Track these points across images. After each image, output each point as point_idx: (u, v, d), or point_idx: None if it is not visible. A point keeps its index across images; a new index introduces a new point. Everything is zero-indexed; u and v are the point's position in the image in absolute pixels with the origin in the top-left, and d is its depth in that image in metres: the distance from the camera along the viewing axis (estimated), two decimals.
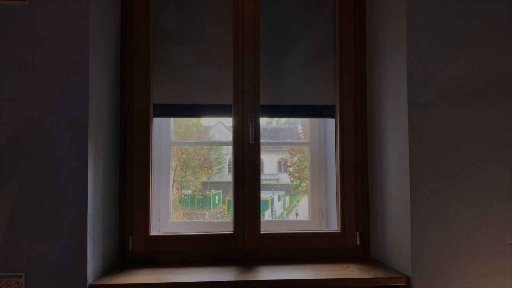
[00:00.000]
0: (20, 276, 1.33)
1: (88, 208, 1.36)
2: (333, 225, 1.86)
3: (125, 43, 1.70)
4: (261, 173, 1.72)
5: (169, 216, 1.90)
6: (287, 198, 4.18)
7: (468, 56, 1.47)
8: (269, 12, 1.81)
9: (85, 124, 1.37)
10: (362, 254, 1.74)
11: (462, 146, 1.46)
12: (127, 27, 1.71)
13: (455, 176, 1.45)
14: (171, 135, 1.93)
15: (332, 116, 1.82)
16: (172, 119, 1.95)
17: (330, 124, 1.92)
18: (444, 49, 1.47)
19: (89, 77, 1.38)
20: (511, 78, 1.48)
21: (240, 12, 1.74)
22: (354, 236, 1.74)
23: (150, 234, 1.67)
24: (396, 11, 1.53)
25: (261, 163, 1.76)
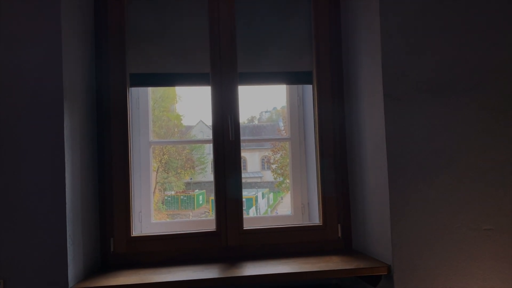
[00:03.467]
0: None
1: (66, 211, 1.34)
2: (316, 220, 1.88)
3: (100, 30, 1.68)
4: (244, 171, 1.73)
5: (151, 217, 1.89)
6: (271, 195, 4.20)
7: (440, 49, 1.51)
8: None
9: (60, 124, 1.35)
10: (344, 246, 1.76)
11: (437, 137, 1.49)
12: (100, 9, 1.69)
13: (431, 166, 1.48)
14: (150, 135, 1.92)
15: (309, 82, 1.84)
16: (151, 123, 1.93)
17: (310, 119, 1.94)
18: (417, 42, 1.50)
19: (63, 76, 1.36)
20: (481, 69, 1.52)
21: None
22: (336, 228, 1.76)
23: (131, 235, 1.65)
24: (369, 5, 1.56)
25: (244, 161, 1.76)
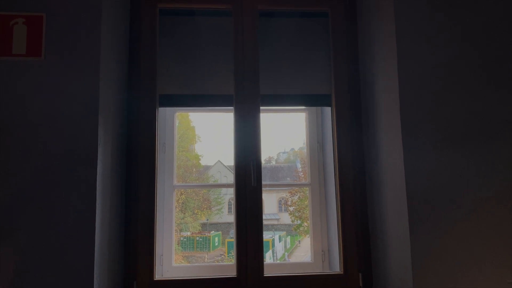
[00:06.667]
0: None
1: (95, 255, 1.38)
2: (336, 267, 1.87)
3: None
4: None
5: (172, 260, 1.91)
6: (288, 238, 4.15)
7: (459, 99, 1.55)
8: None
9: (93, 175, 1.41)
10: None
11: (455, 186, 1.50)
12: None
13: (452, 215, 1.49)
14: (174, 179, 1.98)
15: (328, 104, 1.94)
16: (175, 167, 2.01)
17: (330, 164, 1.98)
18: (436, 92, 1.55)
19: (98, 132, 1.44)
20: (498, 120, 1.55)
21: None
22: (357, 277, 1.75)
23: (154, 279, 1.67)
24: (387, 55, 1.63)
25: None
